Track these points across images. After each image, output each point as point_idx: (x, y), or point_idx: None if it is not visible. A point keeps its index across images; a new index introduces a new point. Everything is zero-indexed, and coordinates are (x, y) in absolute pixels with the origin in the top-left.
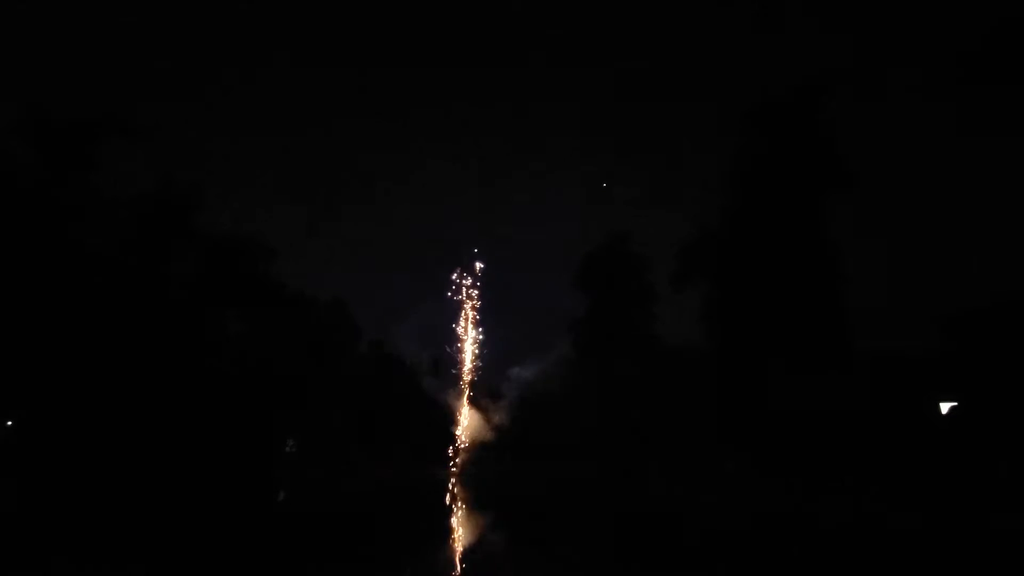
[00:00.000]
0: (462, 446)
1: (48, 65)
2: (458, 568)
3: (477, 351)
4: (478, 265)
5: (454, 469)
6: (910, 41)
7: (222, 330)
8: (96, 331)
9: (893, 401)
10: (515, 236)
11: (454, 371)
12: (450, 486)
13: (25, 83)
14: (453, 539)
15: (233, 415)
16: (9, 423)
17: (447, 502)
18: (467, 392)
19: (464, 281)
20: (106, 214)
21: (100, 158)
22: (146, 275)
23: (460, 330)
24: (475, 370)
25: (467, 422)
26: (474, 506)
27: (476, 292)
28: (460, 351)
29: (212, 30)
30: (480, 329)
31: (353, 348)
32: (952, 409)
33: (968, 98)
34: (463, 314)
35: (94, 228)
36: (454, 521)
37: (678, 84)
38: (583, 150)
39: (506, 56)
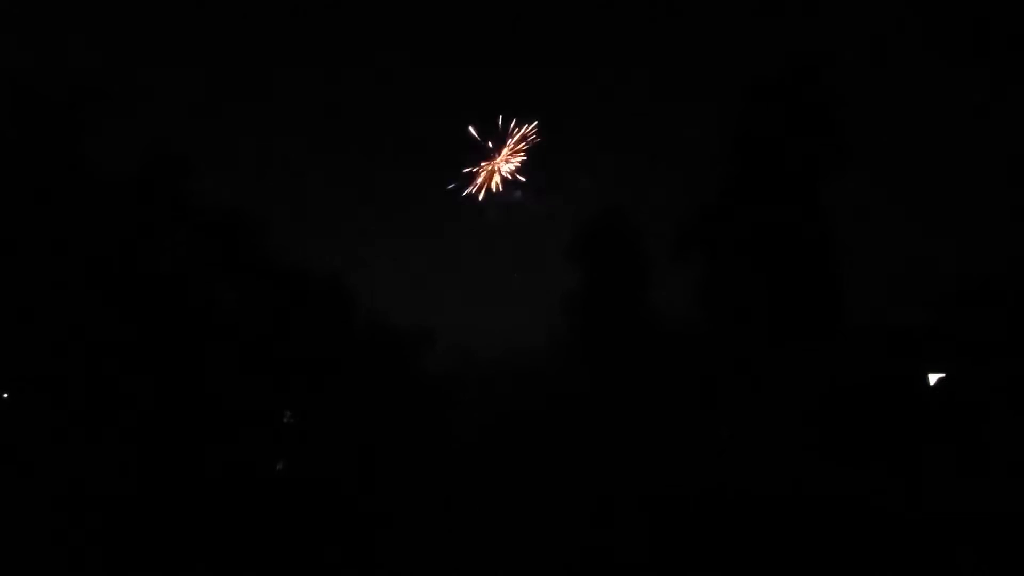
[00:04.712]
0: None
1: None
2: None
3: None
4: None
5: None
6: (913, 13)
7: (215, 304)
8: (87, 305)
9: (887, 373)
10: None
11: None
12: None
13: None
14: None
15: (227, 388)
16: (5, 395)
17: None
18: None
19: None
20: (92, 188)
21: (86, 127)
22: (136, 249)
23: None
24: None
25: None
26: (468, 481)
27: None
28: None
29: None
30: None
31: (349, 321)
32: (940, 380)
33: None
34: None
35: (79, 203)
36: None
37: (677, 60)
38: (580, 129)
39: (505, 32)
